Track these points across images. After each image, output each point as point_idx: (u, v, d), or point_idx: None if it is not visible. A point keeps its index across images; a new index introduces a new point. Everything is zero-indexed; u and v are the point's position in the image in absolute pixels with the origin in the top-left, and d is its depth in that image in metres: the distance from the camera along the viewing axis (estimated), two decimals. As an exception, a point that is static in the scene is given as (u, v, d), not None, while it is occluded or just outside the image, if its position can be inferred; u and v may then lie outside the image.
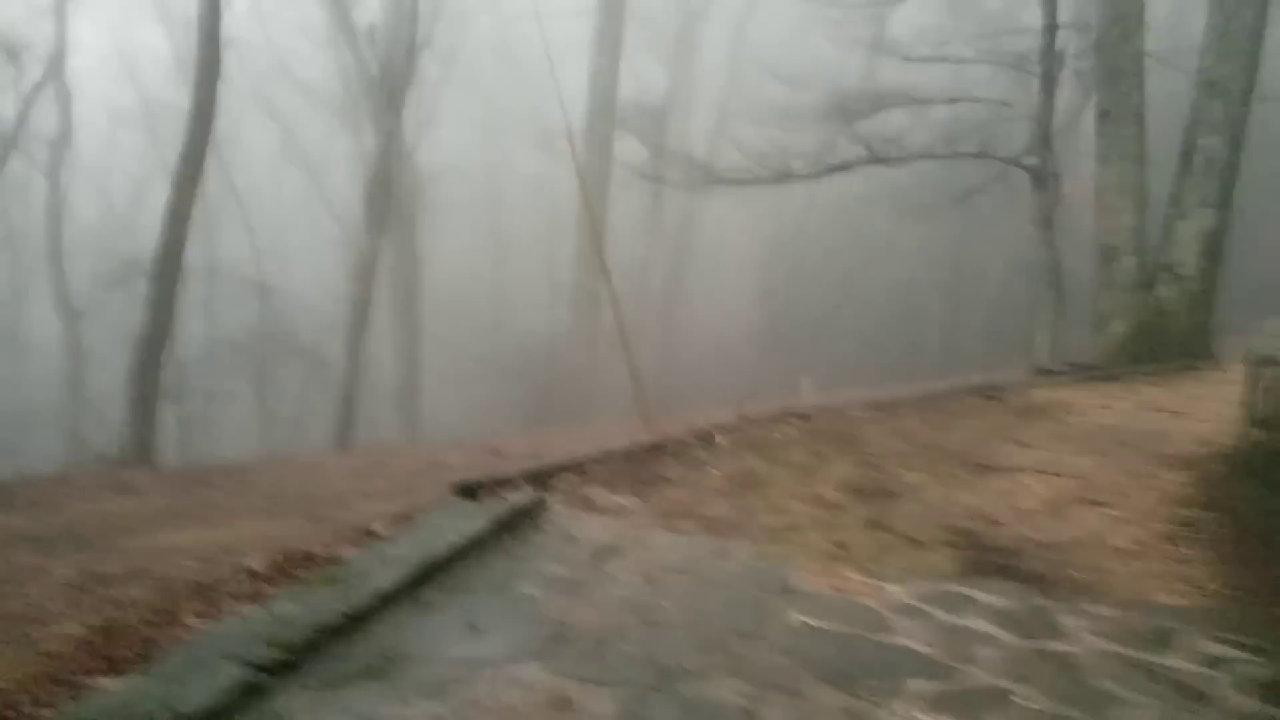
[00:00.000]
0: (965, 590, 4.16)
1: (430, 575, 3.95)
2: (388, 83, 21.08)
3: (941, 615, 3.90)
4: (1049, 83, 13.11)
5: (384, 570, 3.86)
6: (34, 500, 10.01)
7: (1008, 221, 21.08)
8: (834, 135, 13.48)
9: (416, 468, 12.85)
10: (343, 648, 3.32)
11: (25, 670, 3.35)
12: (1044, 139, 13.04)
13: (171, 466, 14.63)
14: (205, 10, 15.60)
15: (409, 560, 3.96)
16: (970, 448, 6.62)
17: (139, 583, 6.20)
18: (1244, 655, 3.62)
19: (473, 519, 4.55)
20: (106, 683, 3.16)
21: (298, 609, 3.47)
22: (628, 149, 22.71)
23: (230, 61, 24.11)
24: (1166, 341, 11.53)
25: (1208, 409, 8.09)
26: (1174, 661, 3.57)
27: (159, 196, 17.33)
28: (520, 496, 4.98)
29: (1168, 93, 13.67)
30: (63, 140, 29.32)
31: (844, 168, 13.27)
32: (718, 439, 6.52)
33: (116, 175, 35.89)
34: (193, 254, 25.53)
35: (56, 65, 27.86)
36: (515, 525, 4.67)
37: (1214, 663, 3.56)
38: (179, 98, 18.44)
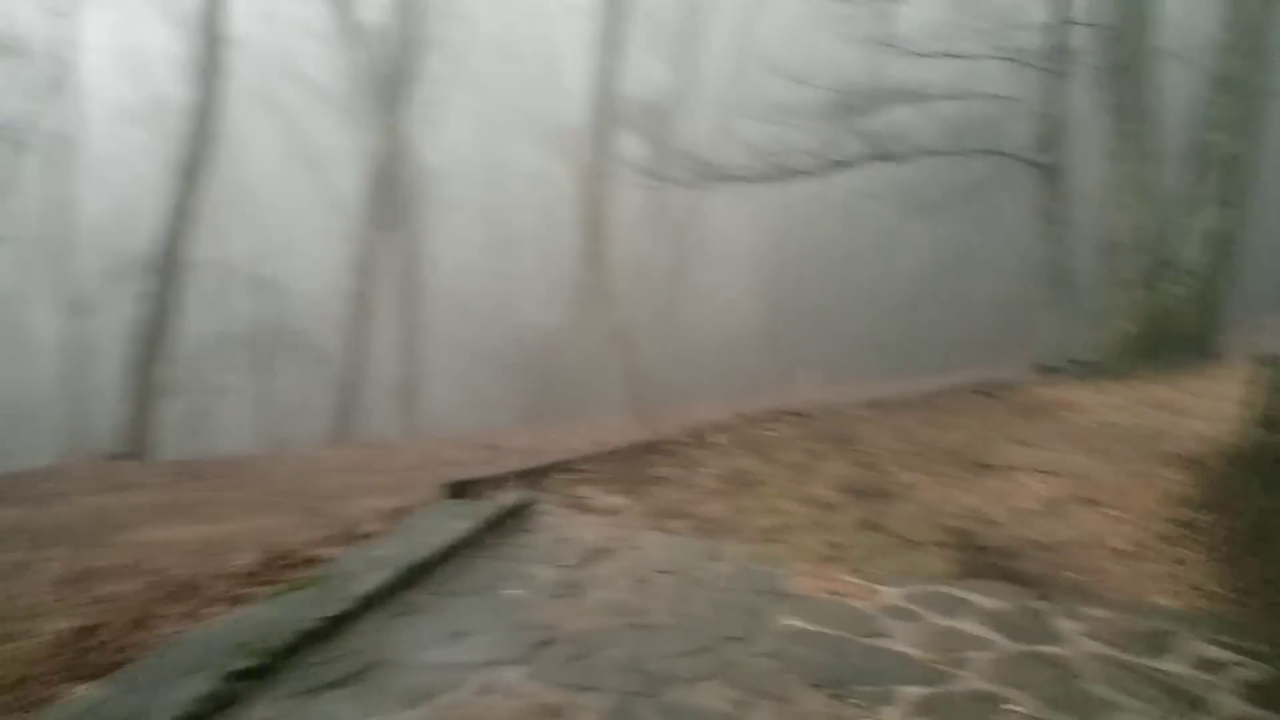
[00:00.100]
0: (960, 592, 4.09)
1: (415, 578, 3.89)
2: (392, 80, 21.04)
3: (935, 618, 3.83)
4: (1058, 78, 12.98)
5: (367, 573, 3.80)
6: (29, 494, 10.01)
7: (1014, 218, 20.91)
8: (839, 132, 13.37)
9: (414, 463, 12.81)
10: (321, 654, 3.25)
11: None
12: (1052, 135, 12.92)
13: (168, 461, 14.59)
14: (208, 7, 15.58)
15: (393, 562, 3.90)
16: (969, 446, 6.54)
17: (129, 579, 6.17)
18: (1242, 659, 3.55)
19: (461, 520, 4.49)
20: (80, 689, 3.11)
21: (277, 613, 3.41)
22: (632, 146, 22.62)
23: (236, 60, 24.13)
24: (1172, 339, 11.43)
25: (1211, 407, 7.99)
26: (1171, 666, 3.50)
27: (165, 193, 17.30)
28: (510, 496, 4.93)
29: (1179, 89, 13.53)
30: (71, 138, 29.35)
31: (849, 164, 13.16)
32: (713, 438, 6.45)
33: (124, 172, 35.92)
34: (196, 249, 25.57)
35: (66, 64, 27.86)
36: (504, 526, 4.61)
37: (1211, 667, 3.48)
38: (186, 95, 18.43)
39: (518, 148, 32.17)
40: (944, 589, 4.12)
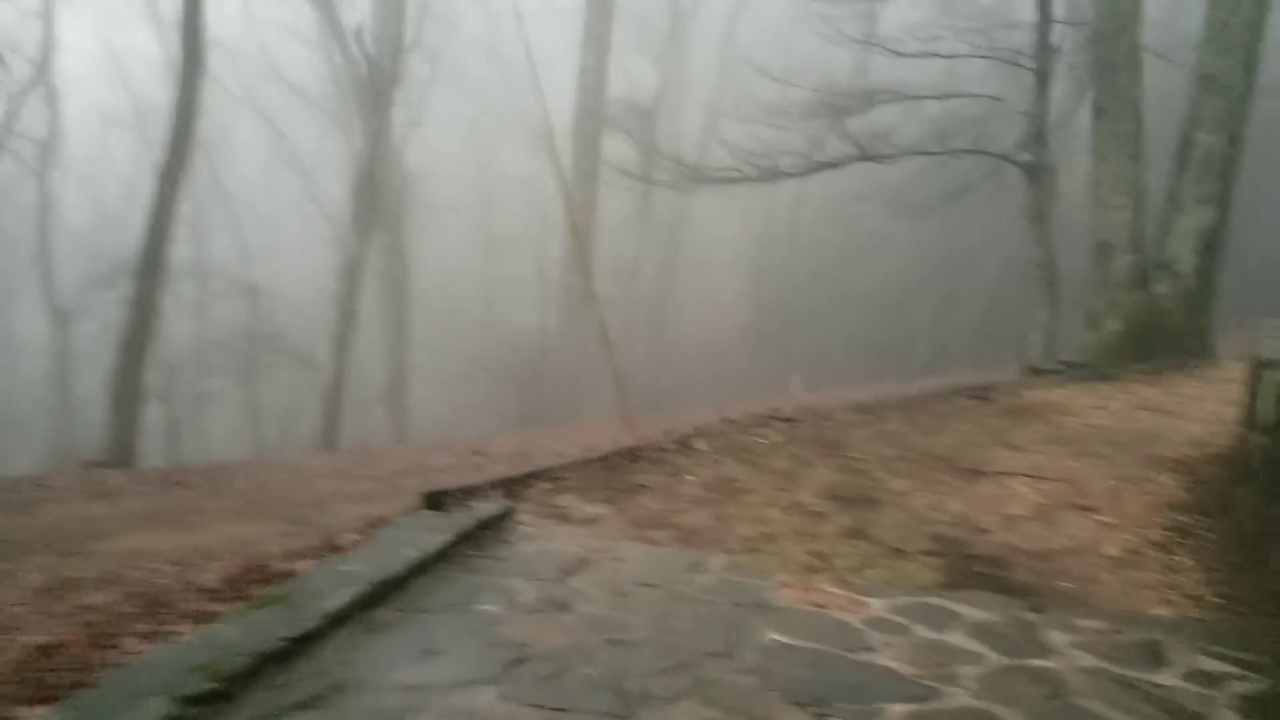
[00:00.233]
0: (948, 603, 3.97)
1: (385, 594, 3.74)
2: (375, 82, 20.88)
3: (922, 631, 3.71)
4: (1044, 78, 12.93)
5: (335, 589, 3.65)
6: (10, 503, 9.85)
7: (1001, 218, 20.89)
8: (824, 132, 13.29)
9: (400, 469, 12.68)
10: (284, 675, 3.11)
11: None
12: (1039, 134, 12.86)
13: (151, 469, 14.42)
14: (188, 9, 15.41)
15: (363, 578, 3.75)
16: (958, 451, 6.43)
17: (105, 590, 6.03)
18: (1239, 671, 3.44)
19: (435, 532, 4.35)
20: (35, 713, 2.97)
21: (239, 633, 3.27)
22: (617, 148, 22.53)
23: (220, 62, 23.94)
24: (1162, 340, 11.37)
25: (1203, 409, 7.93)
26: (1166, 679, 3.38)
27: (148, 197, 17.10)
28: (488, 507, 4.79)
29: (1165, 88, 13.49)
30: (51, 141, 29.11)
31: (834, 165, 13.08)
32: (697, 444, 6.32)
33: (107, 176, 35.68)
34: (182, 254, 25.35)
35: (44, 66, 27.61)
36: (481, 538, 4.47)
37: (1208, 680, 3.37)
38: (168, 98, 18.26)
39: (504, 150, 32.07)
40: (932, 600, 4.00)
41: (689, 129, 28.71)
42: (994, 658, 3.51)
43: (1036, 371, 10.98)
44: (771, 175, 13.04)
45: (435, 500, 4.95)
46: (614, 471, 5.71)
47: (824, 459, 6.14)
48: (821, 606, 3.90)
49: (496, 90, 30.89)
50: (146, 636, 3.93)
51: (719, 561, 4.39)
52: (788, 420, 7.11)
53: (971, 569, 4.39)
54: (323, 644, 3.34)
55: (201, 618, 3.88)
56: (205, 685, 2.89)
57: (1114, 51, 11.81)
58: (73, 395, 26.39)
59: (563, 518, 4.92)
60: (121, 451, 15.12)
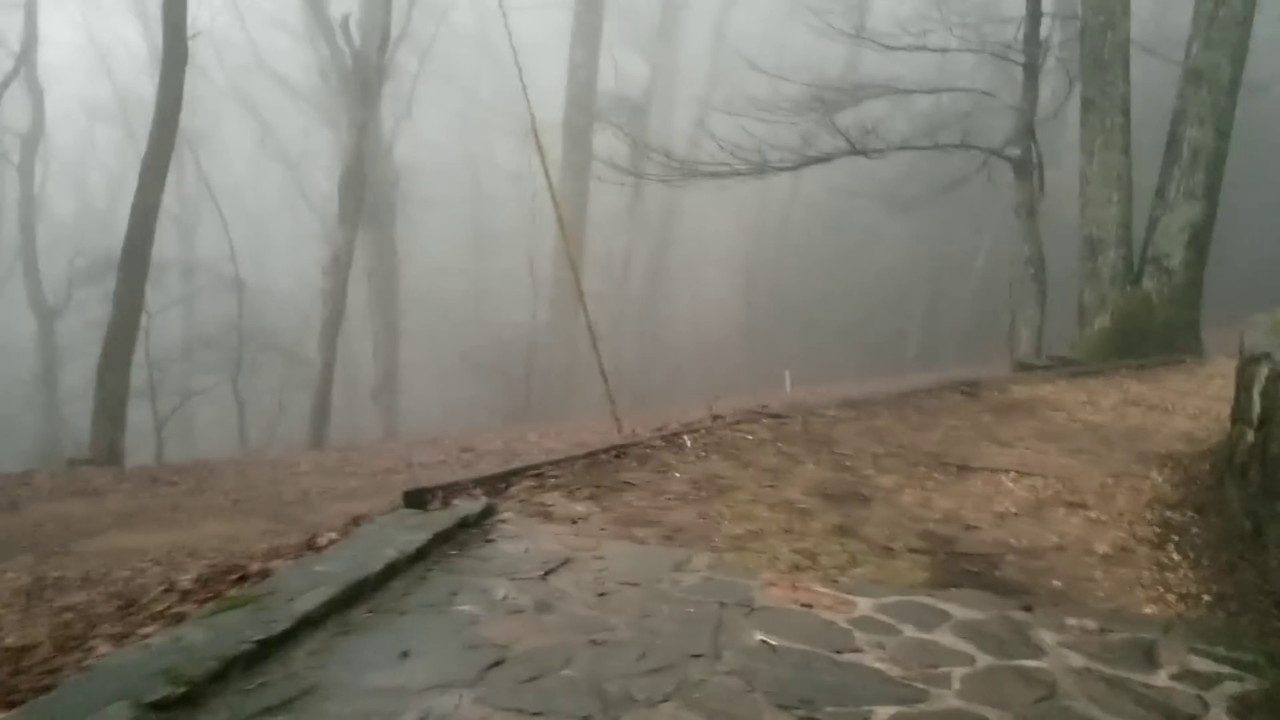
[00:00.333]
0: (938, 603, 3.90)
1: (361, 594, 3.65)
2: (362, 75, 20.72)
3: (911, 631, 3.64)
4: (1032, 72, 12.88)
5: (309, 590, 3.56)
6: (-1, 500, 9.77)
7: (992, 214, 20.88)
8: (814, 127, 13.21)
9: (388, 466, 12.61)
10: (253, 679, 3.02)
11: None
12: (1027, 129, 12.81)
13: (137, 467, 14.29)
14: (170, 1, 15.22)
15: (338, 578, 3.66)
16: (947, 447, 6.37)
17: (91, 589, 5.94)
18: (1233, 671, 3.37)
19: (415, 531, 4.26)
20: (-2, 717, 2.89)
21: (207, 635, 3.17)
22: (608, 142, 22.41)
23: (208, 56, 23.76)
24: (1152, 335, 11.34)
25: (1194, 405, 7.89)
26: (1159, 680, 3.31)
27: (134, 192, 16.90)
28: (469, 505, 4.70)
29: (1153, 82, 13.47)
30: (35, 135, 28.87)
31: (823, 159, 13.01)
32: (685, 440, 6.24)
33: (92, 170, 35.45)
34: (170, 250, 25.21)
35: (27, 58, 27.37)
36: (461, 537, 4.38)
37: (1201, 681, 3.30)
38: (154, 91, 18.06)
39: (494, 144, 31.94)
40: (921, 599, 3.93)
41: (680, 123, 28.61)
42: (983, 658, 3.43)
43: (1026, 367, 10.94)
44: (759, 169, 12.95)
45: (417, 498, 4.87)
46: (600, 468, 5.62)
47: (812, 455, 6.07)
48: (808, 606, 3.83)
49: (487, 83, 30.76)
50: (116, 639, 3.85)
51: (704, 560, 4.31)
52: (776, 416, 7.03)
53: (960, 567, 4.32)
54: (294, 646, 3.25)
55: (173, 619, 3.80)
56: (168, 690, 2.80)
57: (1102, 46, 11.76)
58: (59, 392, 26.21)
59: (546, 516, 4.83)
60: (107, 449, 14.95)
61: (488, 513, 4.69)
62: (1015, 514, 5.06)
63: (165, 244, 22.91)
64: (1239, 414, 5.02)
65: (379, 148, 24.32)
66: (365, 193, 20.95)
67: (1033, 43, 12.81)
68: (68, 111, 32.24)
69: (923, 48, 13.21)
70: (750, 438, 6.52)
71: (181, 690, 2.82)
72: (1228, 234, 14.15)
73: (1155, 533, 4.76)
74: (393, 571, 3.87)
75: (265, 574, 4.11)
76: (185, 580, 4.48)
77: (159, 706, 2.74)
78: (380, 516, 4.60)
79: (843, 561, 4.35)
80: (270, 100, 30.60)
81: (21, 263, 28.26)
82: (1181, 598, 4.03)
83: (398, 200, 26.07)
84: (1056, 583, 4.20)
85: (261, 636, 3.18)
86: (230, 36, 28.09)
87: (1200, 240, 11.51)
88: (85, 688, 2.89)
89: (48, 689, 3.09)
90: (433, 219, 30.72)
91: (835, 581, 4.08)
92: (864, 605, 3.85)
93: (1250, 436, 4.65)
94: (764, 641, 3.49)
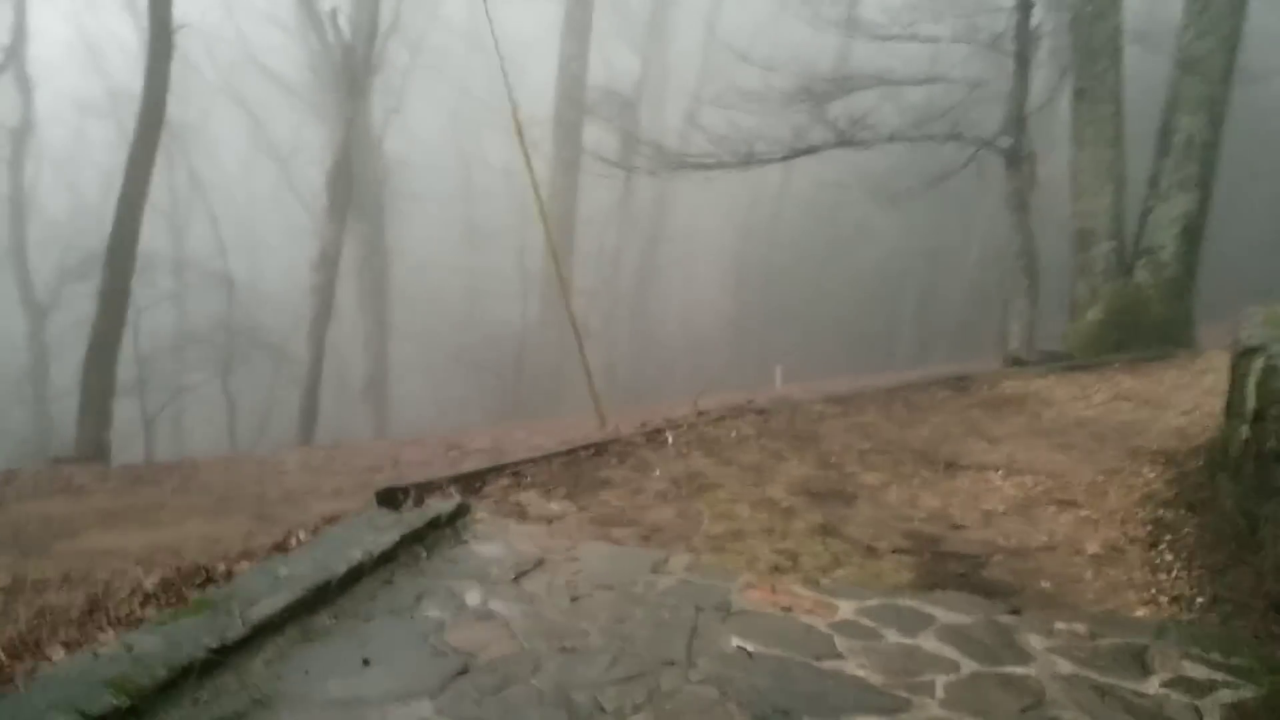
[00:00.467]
0: (922, 605, 3.78)
1: (325, 598, 3.52)
2: (351, 68, 20.53)
3: (894, 636, 3.52)
4: (1023, 62, 12.72)
5: (270, 594, 3.43)
6: (-18, 499, 9.62)
7: (984, 206, 20.76)
8: (804, 119, 13.06)
9: (373, 464, 12.45)
10: (205, 689, 2.89)
11: None
12: (1018, 120, 12.67)
13: (121, 465, 14.14)
14: (157, -7, 15.05)
15: (301, 582, 3.53)
16: (936, 444, 6.24)
17: (72, 588, 5.80)
18: (1228, 678, 3.25)
19: (384, 532, 4.12)
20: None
21: (160, 643, 3.04)
22: (599, 136, 22.24)
23: (195, 49, 23.53)
24: (1144, 329, 11.20)
25: (1187, 399, 7.76)
26: (1151, 688, 3.19)
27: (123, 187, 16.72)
28: (442, 505, 4.56)
29: (1146, 72, 13.32)
30: (24, 130, 28.64)
31: (811, 151, 12.85)
32: (667, 437, 6.11)
33: (84, 166, 35.14)
34: (159, 246, 24.96)
35: (16, 53, 27.12)
36: (432, 538, 4.25)
37: (1196, 689, 3.18)
38: (143, 86, 17.85)
39: (486, 139, 31.72)
40: (905, 602, 3.81)
41: (671, 117, 28.44)
42: (968, 665, 3.31)
43: (1016, 361, 10.81)
44: (746, 161, 12.80)
45: (390, 498, 4.73)
46: (578, 466, 5.49)
47: (796, 452, 5.94)
48: (788, 609, 3.70)
49: (479, 78, 30.53)
50: (72, 645, 3.71)
51: (682, 561, 4.18)
52: (760, 412, 6.90)
53: (946, 568, 4.20)
54: (252, 654, 3.13)
55: (134, 624, 3.66)
56: (114, 701, 2.67)
57: (1094, 36, 11.62)
58: (47, 389, 26.00)
59: (522, 515, 4.71)
60: (92, 447, 14.80)
61: (461, 512, 4.55)
62: (1004, 512, 4.94)
63: (155, 240, 22.72)
64: (1233, 409, 4.90)
65: (369, 142, 24.13)
66: (353, 188, 20.77)
67: (1024, 32, 12.65)
68: (58, 107, 31.97)
69: (913, 37, 13.05)
70: (734, 434, 6.39)
71: (127, 702, 2.69)
72: (1221, 225, 14.03)
73: (1147, 532, 4.64)
74: (358, 574, 3.74)
75: (231, 576, 3.98)
76: (149, 583, 4.34)
77: (104, 718, 2.61)
78: (350, 518, 4.47)
79: (825, 562, 4.23)
80: (261, 95, 30.33)
81: (11, 259, 28.01)
82: (1174, 600, 3.91)
83: (388, 196, 25.89)
84: (1045, 584, 4.08)
85: (216, 644, 3.05)
86: (220, 31, 27.85)
87: (1193, 232, 11.37)
88: (27, 699, 2.75)
89: (-1, 699, 2.96)
90: (424, 215, 30.52)
91: (816, 583, 3.96)
92: (846, 608, 3.73)
93: (1244, 432, 4.53)
94: (741, 648, 3.37)
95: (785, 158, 12.93)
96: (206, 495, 10.38)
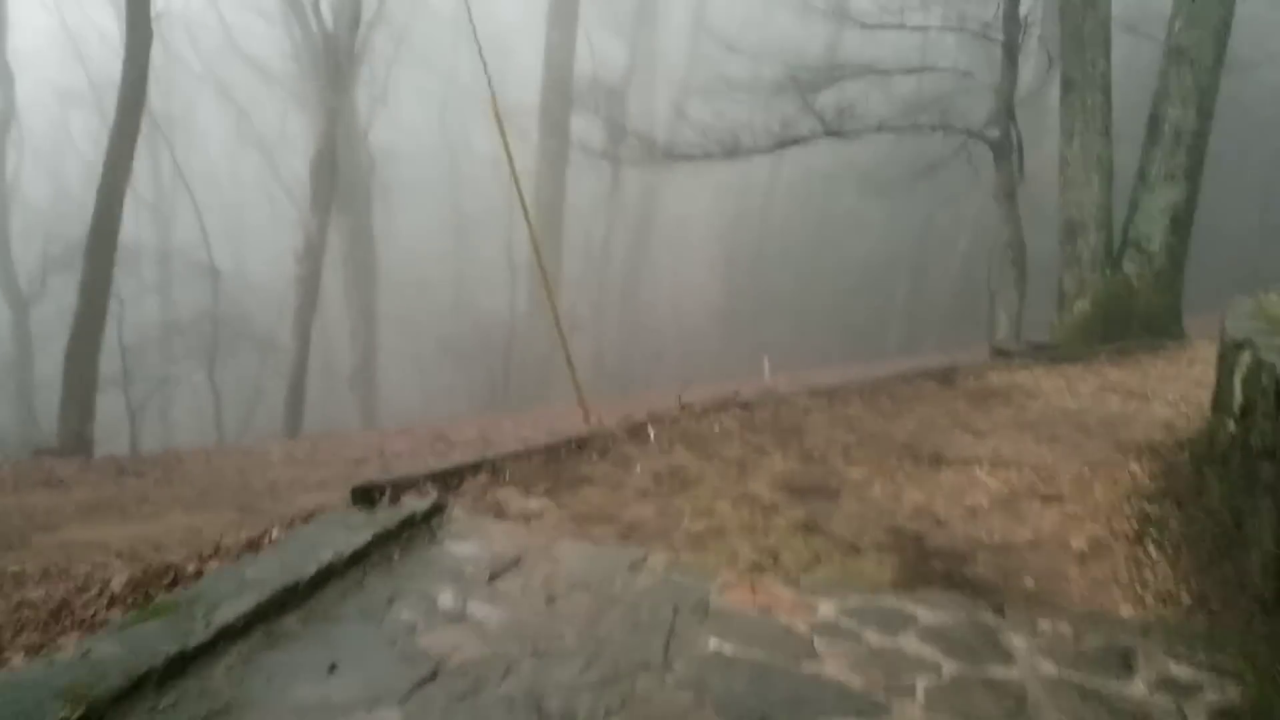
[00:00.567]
0: (904, 605, 3.71)
1: (292, 600, 3.44)
2: (335, 59, 20.34)
3: (875, 637, 3.44)
4: (1011, 51, 12.66)
5: (237, 596, 3.34)
6: (-37, 492, 9.52)
7: (973, 196, 20.70)
8: (792, 108, 12.97)
9: (359, 455, 12.38)
10: (164, 697, 2.80)
11: None
12: (1006, 110, 12.60)
13: (103, 457, 14.01)
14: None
15: (268, 584, 3.44)
16: (920, 438, 6.17)
17: (52, 583, 5.71)
18: (1214, 679, 3.19)
19: (357, 531, 4.04)
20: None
21: (119, 649, 2.95)
22: (586, 126, 22.10)
23: (178, 39, 23.31)
24: (1132, 320, 11.16)
25: (1174, 391, 7.72)
26: (1136, 690, 3.13)
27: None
28: (418, 503, 4.47)
29: (1135, 62, 13.27)
30: (6, 120, 28.36)
31: (798, 141, 12.77)
32: (649, 431, 6.03)
33: (67, 156, 34.84)
34: (143, 236, 24.79)
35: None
36: (406, 537, 4.16)
37: (1181, 691, 3.12)
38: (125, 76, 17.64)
39: (473, 129, 31.53)
40: (886, 601, 3.74)
41: (659, 107, 28.30)
42: (950, 666, 3.25)
43: (1003, 353, 10.75)
44: (731, 151, 12.71)
45: (365, 495, 4.64)
46: (559, 462, 5.40)
47: (780, 447, 5.87)
48: (767, 610, 3.63)
49: (466, 67, 30.33)
50: (32, 650, 3.62)
51: (660, 560, 4.10)
52: (745, 406, 6.82)
53: (929, 565, 4.13)
54: (214, 659, 3.04)
55: (98, 627, 3.58)
56: (66, 712, 2.58)
57: (1083, 25, 11.53)
58: (30, 381, 25.78)
59: (499, 513, 4.62)
60: (75, 439, 14.66)
61: (436, 510, 4.47)
62: (988, 508, 4.87)
63: (140, 230, 22.55)
64: (1220, 403, 4.84)
65: (355, 132, 23.95)
66: (337, 178, 20.60)
67: (1012, 21, 12.58)
68: (40, 97, 31.69)
69: (901, 26, 12.97)
70: (717, 428, 6.31)
71: (80, 712, 2.60)
72: (1211, 215, 14.00)
73: (1133, 527, 4.58)
74: (328, 575, 3.65)
75: (200, 575, 3.89)
76: (116, 583, 4.25)
77: (52, 733, 2.52)
78: (322, 516, 4.38)
79: (806, 560, 4.15)
80: (245, 85, 30.10)
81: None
82: (1160, 598, 3.85)
83: (375, 186, 25.72)
84: (1029, 581, 4.01)
85: (176, 650, 2.96)
86: (203, 19, 27.62)
87: (1182, 223, 11.33)
88: (-24, 710, 2.66)
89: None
90: (411, 205, 30.37)
91: (797, 582, 3.88)
92: (826, 608, 3.66)
93: (1231, 426, 4.47)
94: (718, 651, 3.30)
95: (773, 148, 12.84)
96: (189, 488, 10.28)
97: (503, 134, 7.52)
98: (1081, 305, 11.48)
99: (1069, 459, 5.68)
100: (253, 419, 25.48)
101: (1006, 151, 12.62)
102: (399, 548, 4.06)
